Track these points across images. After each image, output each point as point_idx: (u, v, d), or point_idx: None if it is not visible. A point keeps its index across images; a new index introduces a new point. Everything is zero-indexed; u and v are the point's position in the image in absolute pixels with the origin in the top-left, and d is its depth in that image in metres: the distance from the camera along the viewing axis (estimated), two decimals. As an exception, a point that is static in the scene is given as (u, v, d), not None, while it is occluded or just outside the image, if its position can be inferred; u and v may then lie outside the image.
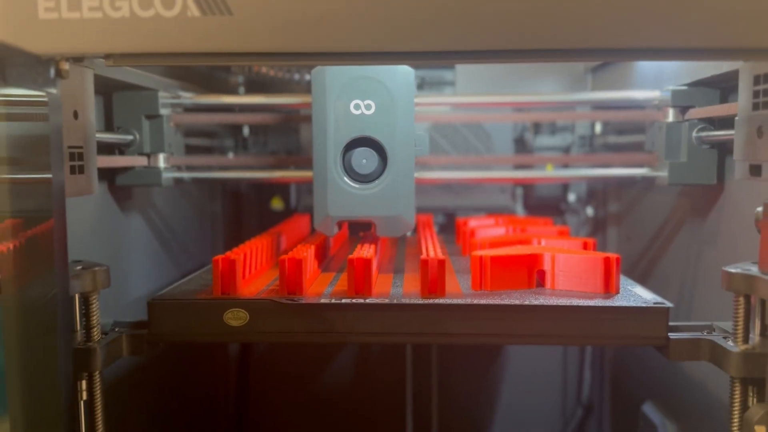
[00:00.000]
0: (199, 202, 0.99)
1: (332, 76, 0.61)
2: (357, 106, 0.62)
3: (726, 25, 0.43)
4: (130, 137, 0.72)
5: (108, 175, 0.72)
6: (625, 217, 0.99)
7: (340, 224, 0.65)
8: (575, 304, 0.52)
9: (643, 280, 0.87)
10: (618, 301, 0.53)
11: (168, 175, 0.75)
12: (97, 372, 0.52)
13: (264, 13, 0.42)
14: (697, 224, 0.75)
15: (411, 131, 0.63)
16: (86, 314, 0.53)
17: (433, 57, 0.45)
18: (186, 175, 0.78)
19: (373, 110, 0.62)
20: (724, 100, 0.68)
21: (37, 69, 0.45)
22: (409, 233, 1.00)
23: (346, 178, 0.63)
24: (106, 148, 0.70)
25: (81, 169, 0.53)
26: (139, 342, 0.55)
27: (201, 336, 0.54)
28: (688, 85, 0.69)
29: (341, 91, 0.61)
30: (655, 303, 0.52)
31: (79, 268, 0.52)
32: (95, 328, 0.53)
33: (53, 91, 0.46)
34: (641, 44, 0.43)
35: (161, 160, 0.74)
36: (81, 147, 0.53)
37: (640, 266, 0.91)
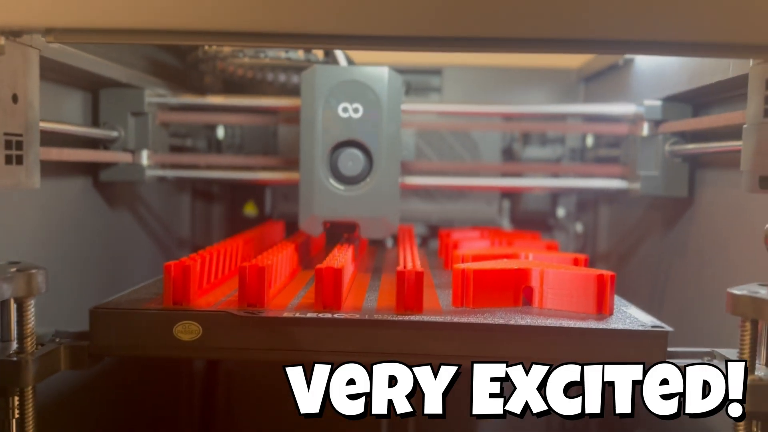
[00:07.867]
0: (169, 202, 0.93)
1: (321, 80, 0.62)
2: (345, 110, 0.63)
3: (737, 20, 0.38)
4: (115, 133, 0.72)
5: (92, 170, 0.71)
6: (610, 233, 0.95)
7: (325, 225, 0.65)
8: (567, 325, 0.47)
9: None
10: (613, 324, 0.48)
11: (151, 173, 0.74)
12: (29, 387, 0.46)
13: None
14: (668, 236, 0.75)
15: (397, 135, 0.64)
16: (20, 322, 0.47)
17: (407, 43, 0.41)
18: (169, 173, 0.77)
19: (360, 114, 0.63)
20: (695, 115, 0.68)
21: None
22: (389, 245, 0.95)
23: (332, 180, 0.64)
24: (90, 144, 0.70)
25: (19, 160, 0.47)
26: (80, 354, 0.49)
27: (148, 350, 0.49)
28: (662, 99, 0.70)
29: (330, 94, 0.62)
30: (653, 326, 0.48)
31: (13, 269, 0.47)
32: (29, 338, 0.47)
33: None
34: (643, 36, 0.39)
35: (144, 157, 0.74)
36: (20, 135, 0.47)
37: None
